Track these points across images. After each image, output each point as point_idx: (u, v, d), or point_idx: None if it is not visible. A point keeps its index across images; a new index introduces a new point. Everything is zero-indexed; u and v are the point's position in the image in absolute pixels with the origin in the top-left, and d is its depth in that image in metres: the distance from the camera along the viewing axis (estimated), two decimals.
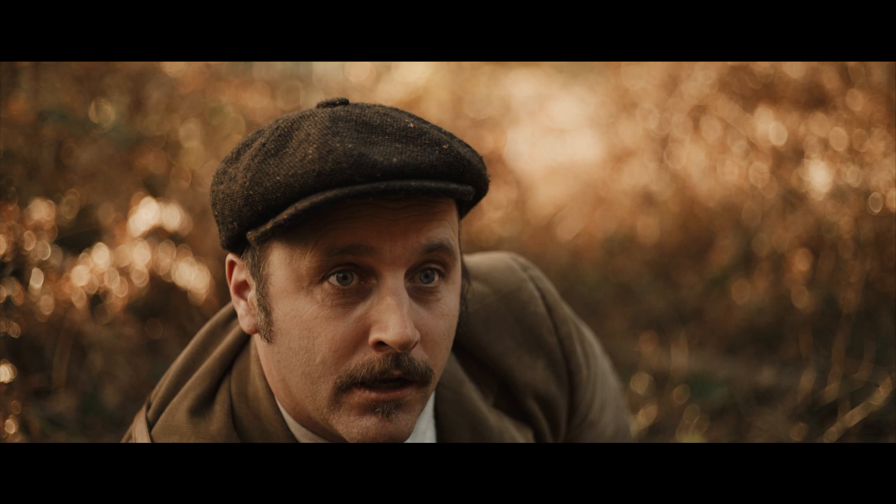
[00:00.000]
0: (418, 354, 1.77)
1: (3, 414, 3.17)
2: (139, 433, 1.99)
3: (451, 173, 1.72)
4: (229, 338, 2.05)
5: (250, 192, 1.71)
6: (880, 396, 4.01)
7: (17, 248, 3.74)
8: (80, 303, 3.87)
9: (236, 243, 1.83)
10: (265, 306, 1.80)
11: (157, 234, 4.26)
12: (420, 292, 1.77)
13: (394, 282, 1.72)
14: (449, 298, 1.82)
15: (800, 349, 4.68)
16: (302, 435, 1.94)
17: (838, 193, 5.18)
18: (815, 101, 5.54)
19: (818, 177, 5.32)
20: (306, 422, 1.91)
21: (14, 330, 3.60)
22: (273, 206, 1.69)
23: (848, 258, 4.97)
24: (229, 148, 5.29)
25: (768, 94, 5.65)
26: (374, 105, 1.83)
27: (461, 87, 6.79)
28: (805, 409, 4.28)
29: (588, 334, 2.35)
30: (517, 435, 2.15)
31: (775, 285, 5.18)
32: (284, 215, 1.66)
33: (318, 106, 1.84)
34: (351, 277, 1.73)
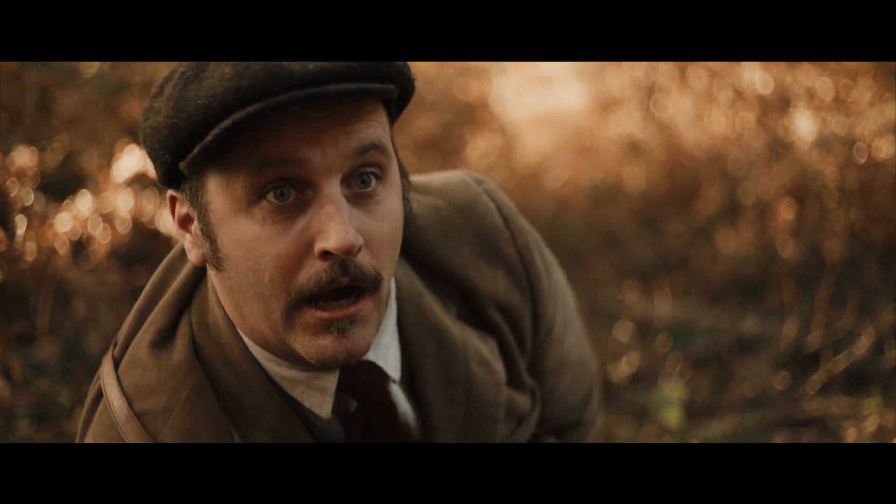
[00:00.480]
0: (365, 259, 1.77)
1: None
2: (106, 372, 2.00)
3: (370, 73, 1.71)
4: (186, 269, 2.05)
5: (174, 120, 1.71)
6: (863, 346, 4.03)
7: (0, 194, 3.73)
8: (63, 249, 3.87)
9: (172, 177, 1.83)
10: (209, 234, 1.80)
11: (141, 181, 4.25)
12: (358, 198, 1.77)
13: (330, 189, 1.72)
14: (389, 200, 1.82)
15: (783, 298, 4.69)
16: (265, 358, 1.94)
17: (824, 143, 5.18)
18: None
19: (804, 126, 5.32)
20: (266, 345, 1.91)
21: None
22: (197, 130, 1.68)
23: (833, 207, 4.98)
24: None
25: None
26: None
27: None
28: (788, 357, 4.30)
29: (546, 249, 2.35)
30: (481, 345, 2.16)
31: (760, 234, 5.19)
32: (209, 137, 1.66)
33: None
34: (288, 193, 1.72)
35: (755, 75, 5.55)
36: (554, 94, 6.72)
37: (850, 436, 3.41)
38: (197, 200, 1.80)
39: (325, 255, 1.72)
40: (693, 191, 5.79)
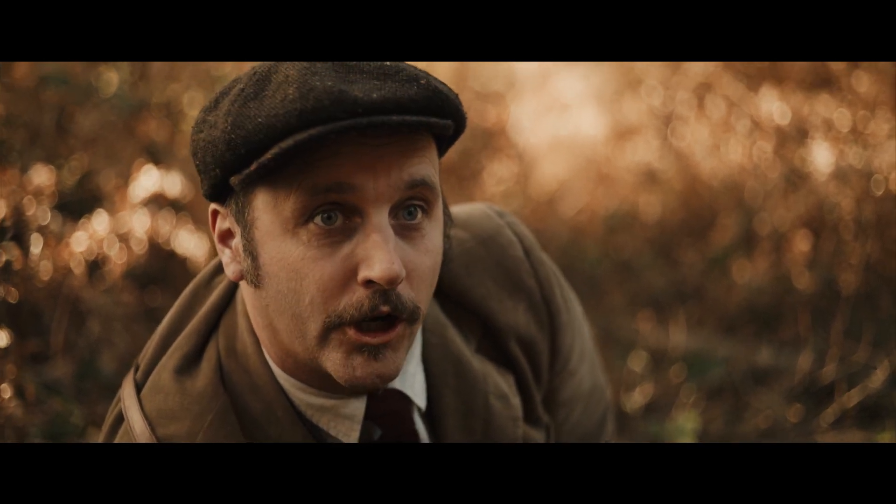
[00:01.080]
0: (405, 291, 1.78)
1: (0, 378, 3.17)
2: (127, 395, 2.00)
3: (431, 107, 1.72)
4: (213, 296, 2.05)
5: (232, 136, 1.71)
6: (878, 379, 4.02)
7: (17, 212, 3.74)
8: (78, 269, 3.87)
9: (219, 192, 1.83)
10: (251, 251, 1.81)
11: (158, 202, 4.25)
12: (404, 229, 1.78)
13: (378, 219, 1.73)
14: (433, 234, 1.83)
15: (798, 330, 4.67)
16: (292, 386, 1.95)
17: (841, 174, 5.17)
18: (819, 81, 5.54)
19: (821, 157, 5.31)
20: (294, 371, 1.92)
21: (12, 295, 3.60)
22: (256, 148, 1.69)
23: (849, 240, 4.97)
24: None
25: (773, 73, 5.64)
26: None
27: (466, 61, 6.77)
28: (802, 389, 4.29)
29: (565, 282, 2.36)
30: (499, 379, 2.16)
31: (776, 265, 5.18)
32: (268, 155, 1.66)
33: None
34: (335, 217, 1.73)
35: (773, 105, 5.54)
36: (571, 120, 6.72)
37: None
38: (242, 216, 1.81)
39: (368, 283, 1.73)
40: (709, 220, 5.78)
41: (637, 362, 4.53)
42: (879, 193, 4.99)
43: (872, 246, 4.93)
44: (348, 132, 1.64)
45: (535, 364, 2.23)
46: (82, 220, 4.01)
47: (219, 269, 2.13)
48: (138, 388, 2.01)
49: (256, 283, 1.83)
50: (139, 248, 4.13)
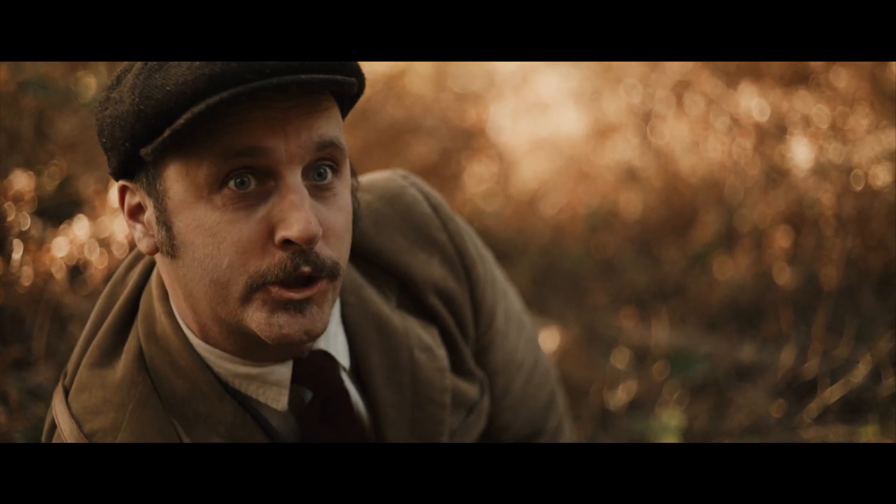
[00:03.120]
0: (323, 250, 1.81)
1: None
2: (57, 402, 2.02)
3: (335, 68, 1.76)
4: (127, 290, 2.07)
5: (141, 107, 1.72)
6: (860, 373, 4.03)
7: None
8: (59, 274, 3.86)
9: (127, 167, 1.84)
10: (164, 222, 1.82)
11: None
12: (316, 189, 1.81)
13: (292, 180, 1.76)
14: (343, 193, 1.86)
15: (780, 326, 4.68)
16: (217, 357, 1.96)
17: (820, 170, 5.18)
18: (798, 77, 5.55)
19: (801, 153, 5.32)
20: (218, 341, 1.93)
21: None
22: (167, 115, 1.70)
23: (830, 235, 4.98)
24: None
25: (751, 70, 5.65)
26: None
27: (446, 61, 6.77)
28: (785, 385, 4.30)
29: (479, 241, 2.39)
30: (422, 333, 2.19)
31: (757, 262, 5.19)
32: (181, 121, 1.67)
33: None
34: (248, 181, 1.76)
35: (752, 102, 5.55)
36: (550, 120, 6.72)
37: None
38: (154, 188, 1.81)
39: (286, 243, 1.76)
40: (690, 218, 5.79)
41: (620, 360, 4.54)
42: (859, 188, 5.00)
43: (853, 241, 4.94)
44: (259, 93, 1.67)
45: (457, 316, 2.26)
46: (63, 226, 4.00)
47: (132, 264, 2.15)
48: (66, 392, 2.02)
49: (172, 253, 1.84)
50: (120, 252, 4.12)
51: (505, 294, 2.44)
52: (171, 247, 1.83)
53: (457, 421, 2.26)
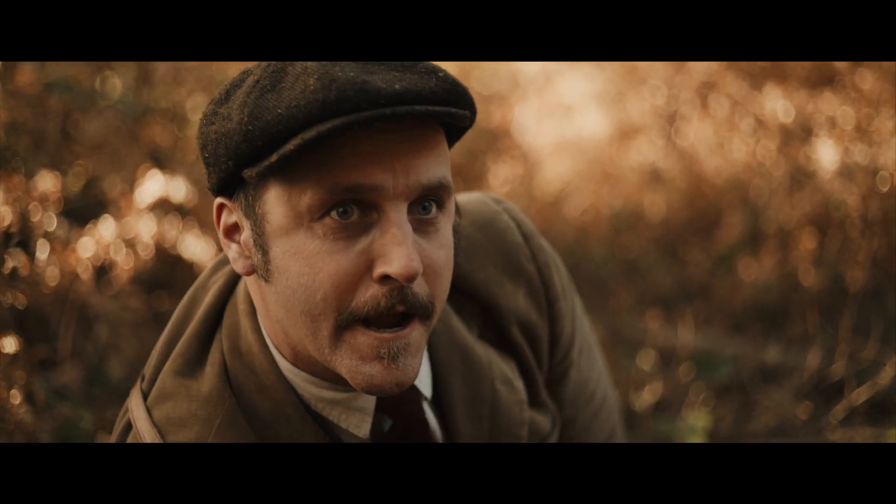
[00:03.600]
0: (421, 287, 1.77)
1: (8, 384, 3.16)
2: (135, 405, 1.99)
3: (450, 99, 1.72)
4: (209, 297, 2.04)
5: (249, 127, 1.69)
6: (887, 375, 4.01)
7: (23, 218, 3.73)
8: (85, 274, 3.87)
9: (227, 185, 1.81)
10: (262, 245, 1.79)
11: (163, 207, 4.25)
12: (420, 224, 1.77)
13: (397, 215, 1.72)
14: (446, 229, 1.82)
15: (806, 327, 4.66)
16: (302, 380, 1.94)
17: (846, 172, 5.16)
18: (823, 79, 5.53)
19: (826, 155, 5.30)
20: (306, 366, 1.91)
21: (20, 301, 3.59)
22: (275, 139, 1.67)
23: (855, 237, 4.96)
24: None
25: (776, 71, 5.63)
26: None
27: (469, 61, 6.76)
28: (811, 387, 4.28)
29: (565, 271, 2.35)
30: (503, 365, 2.16)
31: (782, 263, 5.17)
32: (290, 146, 1.64)
33: None
34: (352, 211, 1.72)
35: (777, 104, 5.54)
36: (575, 121, 6.71)
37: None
38: (252, 210, 1.78)
39: (385, 279, 1.72)
40: (714, 219, 5.78)
41: (645, 361, 4.53)
42: (885, 190, 4.98)
43: (879, 242, 4.92)
44: (373, 122, 1.63)
45: (535, 349, 2.23)
46: (88, 226, 4.01)
47: (215, 270, 2.12)
48: (145, 396, 2.00)
49: (267, 277, 1.81)
50: (145, 253, 4.13)
51: (581, 326, 2.40)
52: (266, 271, 1.80)
53: None
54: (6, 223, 3.60)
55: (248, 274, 1.87)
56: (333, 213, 1.71)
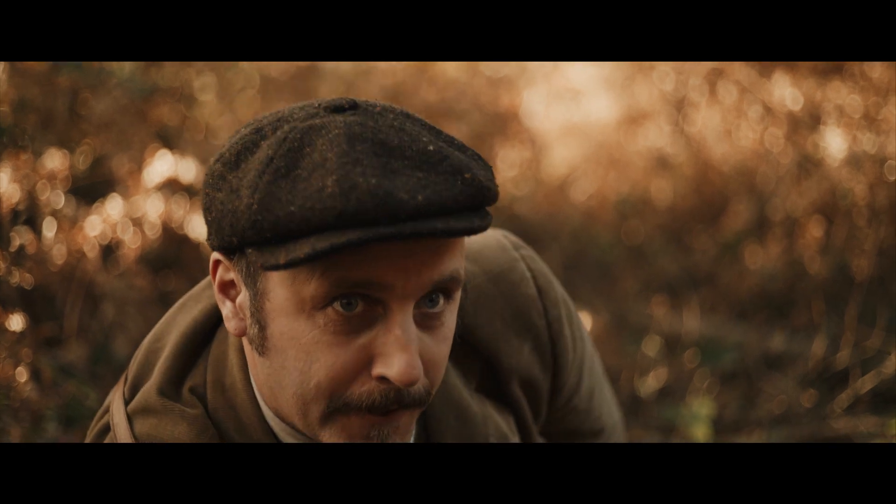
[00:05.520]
0: (419, 383, 1.71)
1: (15, 362, 3.17)
2: (117, 410, 1.94)
3: (473, 205, 1.63)
4: (197, 314, 1.98)
5: (258, 217, 1.60)
6: (891, 364, 4.02)
7: (30, 196, 3.74)
8: (92, 253, 3.87)
9: (228, 250, 1.73)
10: (259, 320, 1.72)
11: (171, 186, 4.25)
12: (425, 318, 1.70)
13: (403, 316, 1.65)
14: (451, 321, 1.75)
15: (811, 316, 4.67)
16: (281, 430, 1.88)
17: (853, 160, 5.16)
18: (831, 67, 5.52)
19: (834, 143, 5.30)
20: (288, 417, 1.83)
21: (26, 279, 3.60)
22: (284, 236, 1.59)
23: (862, 225, 4.96)
24: (244, 103, 5.28)
25: (785, 59, 5.63)
26: (385, 111, 1.73)
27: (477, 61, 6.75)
28: (816, 375, 4.29)
29: (576, 317, 2.27)
30: (500, 421, 2.10)
31: (788, 251, 5.17)
32: (301, 254, 1.55)
33: (325, 109, 1.72)
34: (356, 304, 1.64)
35: (785, 91, 5.53)
36: (583, 106, 6.70)
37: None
38: (252, 282, 1.70)
39: (383, 379, 1.66)
40: (721, 206, 5.78)
41: (651, 347, 4.53)
42: (892, 179, 4.98)
43: (886, 231, 4.92)
44: (390, 240, 1.55)
45: (534, 403, 2.18)
46: (96, 205, 4.02)
47: (210, 283, 1.99)
48: (126, 402, 1.95)
49: (261, 352, 1.75)
50: (153, 232, 4.14)
51: (591, 370, 2.35)
52: (261, 346, 1.73)
53: None
54: (14, 201, 3.61)
55: (240, 335, 1.80)
56: (337, 305, 1.63)
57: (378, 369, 1.65)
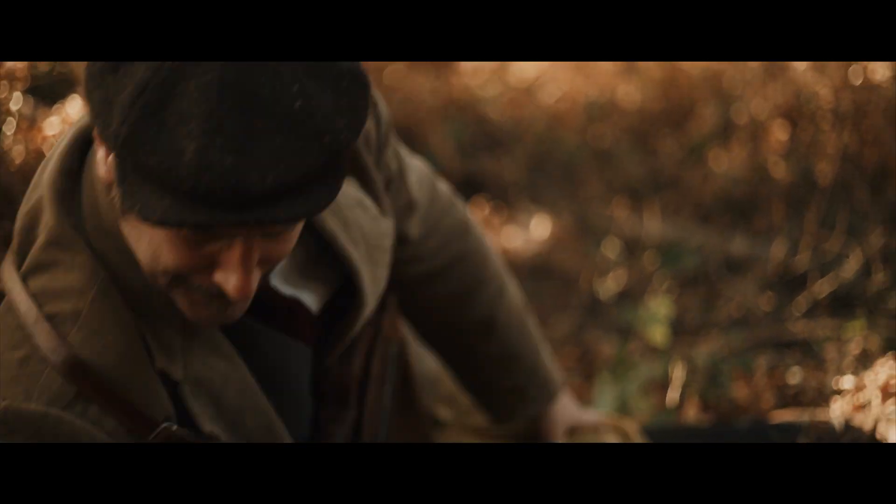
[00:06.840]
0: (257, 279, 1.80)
1: None
2: (10, 278, 1.95)
3: (328, 172, 1.67)
4: (58, 161, 1.96)
5: (123, 151, 1.61)
6: (850, 268, 4.04)
7: None
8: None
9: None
10: (120, 198, 1.71)
11: None
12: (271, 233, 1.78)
13: (246, 246, 1.73)
14: (298, 227, 1.83)
15: (773, 219, 4.68)
16: None
17: (818, 64, 5.15)
18: None
19: None
20: None
21: None
22: (143, 177, 1.62)
23: (826, 129, 4.96)
24: None
25: None
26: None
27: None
28: (776, 279, 4.31)
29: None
30: (349, 189, 2.18)
31: (753, 155, 5.17)
32: (153, 217, 1.62)
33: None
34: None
35: None
36: None
37: (832, 358, 3.42)
38: (119, 176, 1.70)
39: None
40: (688, 109, 5.77)
41: (611, 249, 4.55)
42: (858, 83, 4.97)
43: (850, 136, 4.92)
44: (233, 226, 1.66)
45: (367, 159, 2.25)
46: (56, 105, 3.99)
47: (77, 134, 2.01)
48: (18, 265, 1.95)
49: (120, 216, 1.81)
50: None
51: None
52: (120, 213, 1.79)
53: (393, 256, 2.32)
54: None
55: (108, 185, 1.81)
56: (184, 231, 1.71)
57: (217, 277, 1.74)
